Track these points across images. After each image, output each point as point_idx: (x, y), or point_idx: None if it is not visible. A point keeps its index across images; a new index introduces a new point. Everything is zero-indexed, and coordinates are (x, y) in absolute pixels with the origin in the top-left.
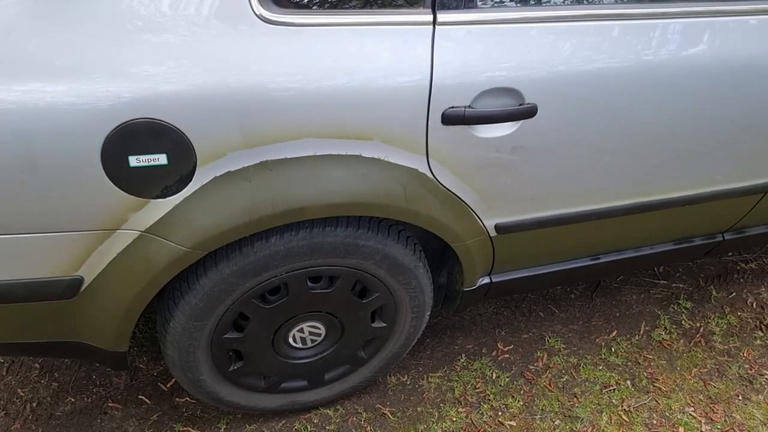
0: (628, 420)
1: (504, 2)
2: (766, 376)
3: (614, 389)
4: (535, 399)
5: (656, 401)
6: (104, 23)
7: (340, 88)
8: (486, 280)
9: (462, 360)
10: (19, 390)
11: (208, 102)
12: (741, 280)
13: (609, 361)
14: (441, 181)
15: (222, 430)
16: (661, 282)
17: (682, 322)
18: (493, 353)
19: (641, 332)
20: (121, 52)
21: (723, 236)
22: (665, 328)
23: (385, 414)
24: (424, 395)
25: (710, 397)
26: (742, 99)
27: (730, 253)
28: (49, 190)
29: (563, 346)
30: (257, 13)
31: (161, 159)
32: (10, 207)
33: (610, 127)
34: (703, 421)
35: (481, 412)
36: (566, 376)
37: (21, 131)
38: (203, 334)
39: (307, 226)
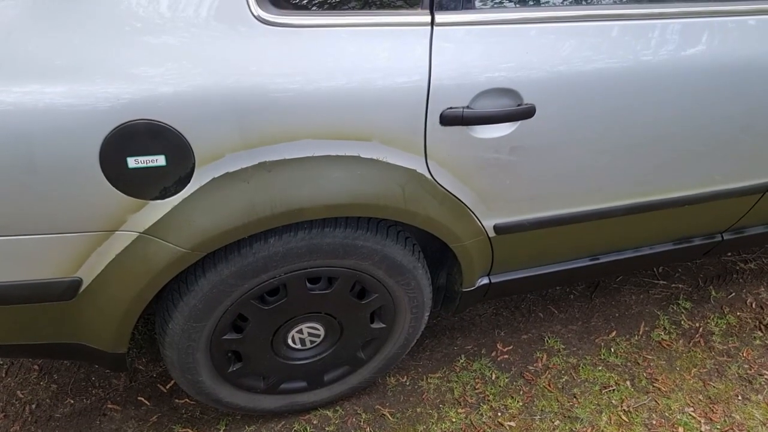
0: (627, 420)
1: (502, 3)
2: (765, 376)
3: (614, 389)
4: (534, 399)
5: (656, 401)
6: (103, 24)
7: (338, 88)
8: (485, 280)
9: (461, 361)
10: (18, 392)
11: (207, 103)
12: (740, 280)
13: (608, 361)
14: (439, 182)
15: (221, 431)
16: (661, 282)
17: (682, 322)
18: (493, 354)
19: (641, 332)
20: (120, 53)
21: (722, 236)
22: (665, 328)
23: (384, 415)
24: (424, 396)
25: (710, 398)
26: (740, 99)
27: (729, 253)
28: (48, 192)
29: (563, 346)
30: (255, 14)
31: (160, 160)
32: (8, 208)
33: (609, 128)
34: (702, 421)
35: (480, 412)
36: (566, 377)
37: (20, 132)
38: (202, 336)
39: (306, 227)
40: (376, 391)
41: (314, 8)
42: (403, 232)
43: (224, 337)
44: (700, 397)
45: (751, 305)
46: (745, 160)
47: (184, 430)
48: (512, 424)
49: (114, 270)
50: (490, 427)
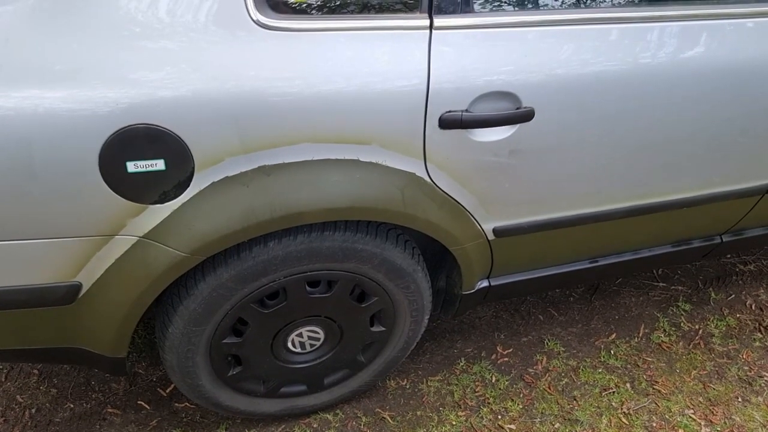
0: (627, 423)
1: (501, 6)
2: (765, 378)
3: (614, 392)
4: (534, 402)
5: (656, 404)
6: (102, 29)
7: (337, 92)
8: (485, 283)
9: (461, 363)
10: (18, 396)
11: (206, 107)
12: (740, 282)
13: (608, 363)
14: (439, 185)
15: None
16: (660, 284)
17: (681, 324)
18: (493, 356)
19: (640, 335)
20: (119, 58)
21: (721, 238)
22: (664, 330)
23: (384, 418)
24: (424, 399)
25: (710, 399)
26: (739, 101)
27: (728, 255)
28: (48, 196)
29: (562, 349)
30: (254, 18)
31: (159, 164)
32: (8, 213)
33: (608, 130)
34: (702, 423)
35: (480, 415)
36: (566, 379)
37: (19, 137)
38: (202, 339)
39: (306, 231)
40: (376, 394)
41: (313, 12)
42: (402, 235)
43: (224, 340)
44: (700, 399)
45: (751, 307)
46: (743, 162)
47: None
48: (512, 426)
49: (113, 274)
50: (491, 430)
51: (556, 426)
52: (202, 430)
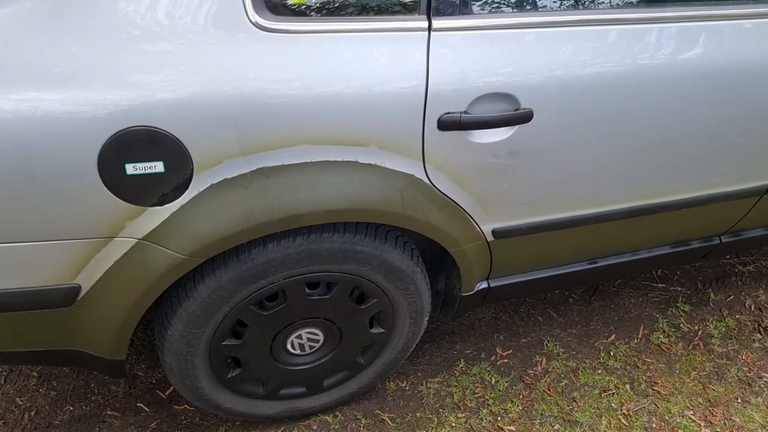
0: (627, 424)
1: (499, 8)
2: (765, 379)
3: (613, 393)
4: (534, 404)
5: (655, 405)
6: (101, 32)
7: (336, 94)
8: (484, 284)
9: (461, 365)
10: (17, 399)
11: (205, 109)
12: (739, 282)
13: (608, 364)
14: (438, 187)
15: None
16: (659, 285)
17: (681, 325)
18: (492, 358)
19: (640, 336)
20: (118, 60)
21: (720, 239)
22: (664, 331)
23: (384, 420)
24: (423, 401)
25: (709, 401)
26: (737, 102)
27: (727, 256)
28: (46, 199)
29: (562, 350)
30: (253, 20)
31: (158, 167)
32: (7, 215)
33: (607, 131)
34: (702, 424)
35: (480, 417)
36: (565, 381)
37: (18, 140)
38: (201, 342)
39: (305, 233)
40: (376, 396)
41: (311, 14)
42: (401, 237)
43: (223, 342)
44: (700, 400)
45: (750, 308)
46: (742, 163)
47: None
48: (512, 428)
49: (113, 276)
50: None
51: (555, 427)
52: None
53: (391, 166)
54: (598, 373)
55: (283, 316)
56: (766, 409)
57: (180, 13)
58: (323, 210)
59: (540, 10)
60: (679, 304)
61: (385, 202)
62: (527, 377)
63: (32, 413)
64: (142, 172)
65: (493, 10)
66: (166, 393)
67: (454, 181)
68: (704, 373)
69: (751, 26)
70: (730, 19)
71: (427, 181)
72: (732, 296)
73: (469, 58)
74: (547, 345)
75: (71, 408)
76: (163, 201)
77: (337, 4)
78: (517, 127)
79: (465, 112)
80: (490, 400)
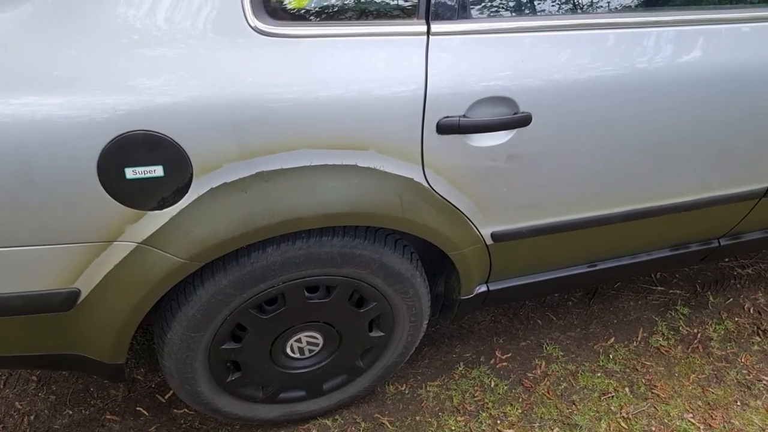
0: (626, 427)
1: (498, 12)
2: (764, 382)
3: (613, 396)
4: (533, 407)
5: (655, 408)
6: (101, 36)
7: (335, 98)
8: (483, 288)
9: (460, 368)
10: (16, 403)
11: (205, 114)
12: (738, 285)
13: (607, 368)
14: (437, 190)
15: None
16: (658, 288)
17: (680, 328)
18: (492, 361)
19: (639, 339)
20: (118, 64)
21: (719, 242)
22: (663, 334)
23: (383, 423)
24: (423, 404)
25: (709, 403)
26: (736, 105)
27: (726, 259)
28: (46, 203)
29: (561, 353)
30: (252, 25)
31: (157, 171)
32: (6, 219)
33: (605, 135)
34: (701, 427)
35: (479, 420)
36: (564, 384)
37: (18, 144)
38: (201, 345)
39: (304, 236)
40: (375, 399)
41: (311, 19)
42: (400, 240)
43: (223, 346)
44: (699, 403)
45: (749, 310)
46: (741, 166)
47: None
48: (511, 431)
49: (112, 280)
50: None
51: (555, 430)
52: None
53: (390, 169)
54: (598, 376)
55: (282, 320)
56: (765, 412)
57: (179, 17)
58: (322, 214)
59: (538, 14)
60: (678, 307)
61: (384, 205)
62: (526, 380)
63: (32, 417)
64: (142, 176)
65: (491, 15)
66: (166, 397)
67: (453, 185)
68: (703, 376)
69: (749, 30)
70: (728, 23)
71: (426, 185)
72: (731, 299)
73: (467, 62)
74: (546, 348)
75: (71, 412)
76: (162, 205)
77: (336, 9)
78: (515, 130)
79: (464, 116)
80: (490, 404)
